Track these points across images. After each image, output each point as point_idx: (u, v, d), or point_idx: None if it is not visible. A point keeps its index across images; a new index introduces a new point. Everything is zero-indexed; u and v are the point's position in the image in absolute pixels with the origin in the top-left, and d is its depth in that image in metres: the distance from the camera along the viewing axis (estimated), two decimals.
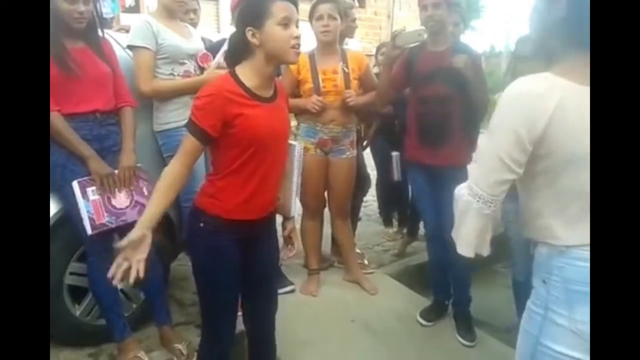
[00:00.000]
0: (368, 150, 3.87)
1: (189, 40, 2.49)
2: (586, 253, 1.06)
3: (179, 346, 2.25)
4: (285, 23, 1.56)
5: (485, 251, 1.20)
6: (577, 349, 1.08)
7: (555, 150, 1.07)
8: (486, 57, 11.90)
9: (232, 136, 1.57)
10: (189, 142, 1.59)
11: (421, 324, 2.71)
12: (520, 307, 2.56)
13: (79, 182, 2.01)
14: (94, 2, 2.13)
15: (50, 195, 2.12)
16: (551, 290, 1.12)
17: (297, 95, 2.83)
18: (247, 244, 1.73)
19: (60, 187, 2.06)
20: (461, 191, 1.20)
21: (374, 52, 4.25)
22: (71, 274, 2.25)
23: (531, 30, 1.22)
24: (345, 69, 2.78)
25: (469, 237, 1.19)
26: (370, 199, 4.56)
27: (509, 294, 2.59)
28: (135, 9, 8.47)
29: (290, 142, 1.83)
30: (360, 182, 3.15)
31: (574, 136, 1.06)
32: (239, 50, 1.65)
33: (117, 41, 2.51)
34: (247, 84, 1.61)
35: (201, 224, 1.68)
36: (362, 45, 8.77)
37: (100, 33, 2.21)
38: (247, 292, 1.84)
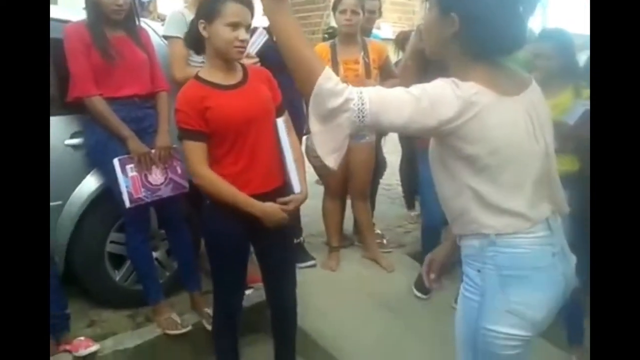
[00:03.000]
0: (392, 135, 3.97)
1: None
2: (512, 240, 1.15)
3: (208, 310, 2.43)
4: (234, 26, 1.71)
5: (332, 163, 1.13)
6: (514, 327, 1.15)
7: (473, 152, 1.11)
8: None
9: (210, 127, 1.75)
10: (193, 148, 1.77)
11: (417, 296, 2.82)
12: None
13: (119, 159, 2.22)
14: None
15: (93, 171, 2.37)
16: (486, 278, 1.17)
17: None
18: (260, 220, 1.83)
19: (102, 163, 2.28)
20: (349, 91, 1.10)
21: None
22: (111, 242, 2.48)
23: (427, 45, 1.26)
24: (366, 59, 2.90)
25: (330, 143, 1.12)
26: (395, 183, 4.67)
27: None
28: None
29: (277, 119, 1.91)
30: (377, 165, 3.28)
31: (495, 144, 1.10)
32: (195, 38, 1.81)
33: (153, 29, 2.70)
34: (209, 79, 1.78)
35: (208, 202, 1.86)
36: (393, 30, 8.74)
37: (137, 22, 2.40)
38: (265, 267, 2.02)
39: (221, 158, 1.82)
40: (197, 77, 1.81)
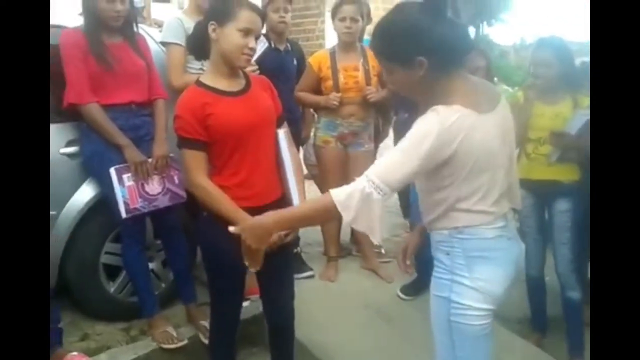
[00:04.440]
0: (388, 143, 3.95)
1: None
2: (476, 229, 1.34)
3: (204, 323, 2.40)
4: (246, 32, 1.69)
5: (379, 238, 1.33)
6: (479, 301, 1.35)
7: (459, 169, 1.28)
8: (516, 50, 11.78)
9: (211, 135, 1.71)
10: (191, 156, 1.73)
11: (401, 298, 2.87)
12: (535, 301, 2.64)
13: (115, 168, 2.18)
14: (129, 0, 2.28)
15: (88, 180, 2.31)
16: (454, 259, 1.37)
17: (318, 91, 2.94)
18: None
19: (98, 173, 2.23)
20: (358, 184, 1.29)
21: None
22: (106, 253, 2.43)
23: (398, 88, 1.45)
24: (366, 65, 2.88)
25: (376, 224, 1.30)
26: None
27: (522, 287, 2.67)
28: None
29: (278, 130, 1.89)
30: None
31: (478, 156, 1.27)
32: (200, 41, 1.78)
33: (151, 36, 2.66)
34: (212, 84, 1.74)
35: (205, 213, 1.81)
36: None
37: (136, 29, 2.36)
38: (264, 281, 1.97)
39: (222, 168, 1.78)
40: (198, 83, 1.77)
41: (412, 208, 2.89)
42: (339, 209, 1.29)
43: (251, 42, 1.71)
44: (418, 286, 2.93)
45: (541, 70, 2.32)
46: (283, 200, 1.87)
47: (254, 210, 1.74)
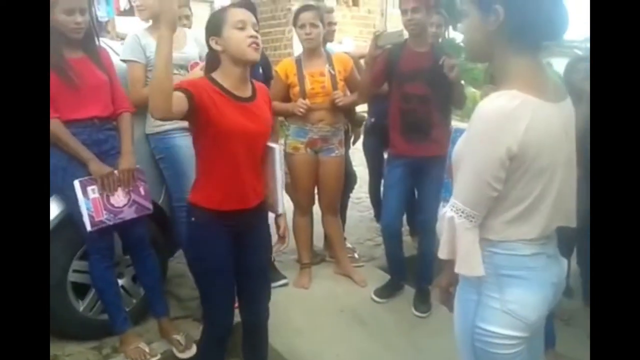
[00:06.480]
0: (358, 147, 3.99)
1: (180, 50, 2.56)
2: (512, 244, 1.17)
3: (177, 337, 2.37)
4: (241, 26, 1.72)
5: (480, 271, 1.17)
6: (509, 327, 1.17)
7: (520, 165, 1.11)
8: None
9: (208, 130, 1.71)
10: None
11: (375, 301, 2.90)
12: None
13: (80, 181, 2.13)
14: (90, 12, 2.24)
15: (53, 197, 2.24)
16: (483, 277, 1.18)
17: (287, 99, 2.95)
18: (240, 236, 1.86)
19: (62, 188, 2.18)
20: (444, 210, 1.20)
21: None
22: (74, 271, 2.37)
23: (465, 38, 1.27)
24: (332, 71, 2.91)
25: (462, 255, 1.18)
26: (363, 196, 4.68)
27: None
28: (130, 12, 8.53)
29: (271, 144, 1.95)
30: (346, 179, 3.27)
31: (540, 152, 1.11)
32: (211, 61, 1.82)
33: (113, 49, 2.63)
34: (222, 83, 1.76)
35: (193, 219, 1.83)
36: (356, 43, 8.87)
37: (97, 42, 2.33)
38: (242, 283, 1.96)
39: (210, 167, 1.79)
40: (209, 78, 1.78)
41: (383, 209, 2.91)
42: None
43: (250, 32, 1.74)
44: (391, 288, 2.96)
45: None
46: (260, 205, 1.93)
47: (235, 213, 1.81)
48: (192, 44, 2.66)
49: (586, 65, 2.54)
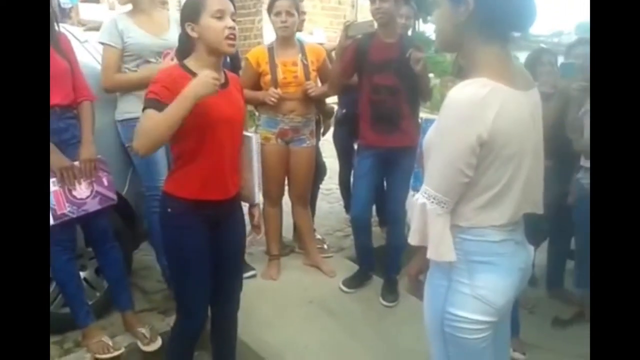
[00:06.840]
0: (328, 138, 3.98)
1: (160, 36, 2.50)
2: (482, 230, 1.20)
3: (142, 330, 2.33)
4: (219, 16, 1.69)
5: (451, 256, 1.19)
6: (478, 312, 1.19)
7: (490, 152, 1.13)
8: None
9: (188, 119, 1.65)
10: (149, 116, 1.61)
11: (343, 291, 2.92)
12: None
13: None
14: None
15: None
16: (453, 263, 1.20)
17: (258, 87, 2.91)
18: (215, 226, 1.84)
19: None
20: (415, 197, 1.21)
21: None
22: None
23: (436, 28, 1.31)
24: (305, 61, 2.88)
25: (434, 241, 1.19)
26: (333, 187, 4.68)
27: None
28: None
29: (247, 133, 1.93)
30: (316, 170, 3.26)
31: (509, 139, 1.13)
32: (184, 46, 1.78)
33: (74, 35, 2.54)
34: (195, 70, 1.71)
35: (169, 209, 1.80)
36: (327, 34, 8.83)
37: (57, 28, 2.24)
38: (214, 272, 1.93)
39: (190, 156, 1.75)
40: (182, 65, 1.74)
41: (353, 200, 2.91)
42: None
43: (229, 22, 1.71)
44: (360, 279, 2.98)
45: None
46: (236, 196, 1.92)
47: (214, 203, 1.79)
48: (174, 30, 2.54)
49: (550, 58, 2.58)
